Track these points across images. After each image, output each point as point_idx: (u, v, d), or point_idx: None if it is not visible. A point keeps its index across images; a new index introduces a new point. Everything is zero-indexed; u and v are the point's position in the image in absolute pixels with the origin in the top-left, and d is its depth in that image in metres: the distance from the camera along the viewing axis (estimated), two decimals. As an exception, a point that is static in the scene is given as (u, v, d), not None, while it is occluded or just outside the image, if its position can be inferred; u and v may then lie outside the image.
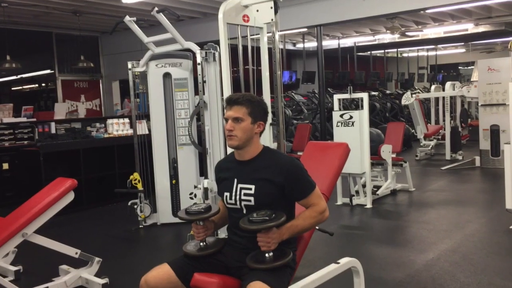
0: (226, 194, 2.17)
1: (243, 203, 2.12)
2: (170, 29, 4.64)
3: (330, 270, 2.57)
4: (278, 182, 2.08)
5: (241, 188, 2.13)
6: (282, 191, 2.09)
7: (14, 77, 10.41)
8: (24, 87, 11.55)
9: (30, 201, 3.37)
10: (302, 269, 2.47)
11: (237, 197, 2.13)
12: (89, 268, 3.43)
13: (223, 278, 2.04)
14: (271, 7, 3.93)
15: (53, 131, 7.06)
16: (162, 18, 4.58)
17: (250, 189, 2.11)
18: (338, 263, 2.65)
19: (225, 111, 2.18)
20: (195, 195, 4.29)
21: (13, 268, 3.63)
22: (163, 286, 2.05)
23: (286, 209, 2.12)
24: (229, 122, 2.12)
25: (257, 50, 4.05)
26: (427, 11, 8.90)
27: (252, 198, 2.10)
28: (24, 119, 7.01)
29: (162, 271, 2.08)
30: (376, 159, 5.91)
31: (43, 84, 11.32)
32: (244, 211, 2.11)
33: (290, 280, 2.16)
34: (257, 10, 4.00)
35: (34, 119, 7.13)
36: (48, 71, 10.44)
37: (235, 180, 2.16)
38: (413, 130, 10.23)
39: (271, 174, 2.09)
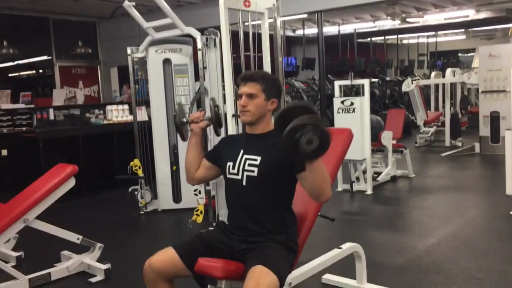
0: (229, 163, 2.17)
1: (245, 173, 2.11)
2: (170, 13, 4.59)
3: (333, 255, 2.59)
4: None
5: (246, 159, 2.13)
6: (286, 164, 2.02)
7: (11, 63, 10.33)
8: (21, 73, 11.48)
9: (31, 187, 3.36)
10: (305, 254, 2.47)
11: (241, 167, 2.13)
12: (91, 254, 3.43)
13: (227, 262, 2.04)
14: (273, -8, 3.88)
15: (51, 117, 7.02)
16: (161, 2, 4.53)
17: (256, 160, 2.11)
18: (341, 248, 2.66)
19: (239, 88, 2.20)
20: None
21: (15, 254, 3.63)
22: (167, 270, 2.05)
23: (288, 186, 2.13)
24: (243, 98, 2.14)
25: (258, 36, 4.01)
26: (428, -4, 8.84)
27: (256, 169, 2.09)
28: (22, 106, 6.96)
29: (167, 255, 2.08)
30: (377, 146, 5.90)
31: (40, 71, 11.25)
32: (244, 183, 2.11)
33: (293, 264, 2.17)
34: (258, -5, 3.95)
35: (33, 106, 7.09)
36: (45, 57, 10.37)
37: (242, 151, 2.17)
38: (413, 117, 10.22)
39: (279, 147, 2.04)
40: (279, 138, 2.12)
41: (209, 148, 4.06)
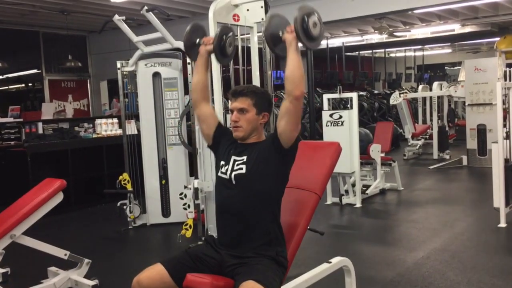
0: (222, 162, 2.22)
1: (233, 173, 2.15)
2: (159, 28, 4.61)
3: (322, 270, 2.58)
4: (269, 142, 2.15)
5: (235, 160, 2.17)
6: (271, 147, 2.12)
7: (0, 77, 10.27)
8: (10, 86, 11.41)
9: (19, 202, 3.32)
10: (294, 268, 2.48)
11: (229, 168, 2.17)
12: (78, 270, 3.39)
13: (216, 278, 2.03)
14: (262, 6, 3.93)
15: (40, 131, 6.97)
16: (151, 17, 4.56)
17: (243, 159, 2.16)
18: (330, 262, 2.65)
19: (230, 103, 2.23)
20: (185, 196, 4.27)
21: (1, 270, 3.57)
22: (156, 286, 2.04)
23: (275, 181, 2.15)
24: (234, 113, 2.17)
25: (247, 50, 4.05)
26: (415, 11, 8.97)
27: (244, 166, 2.14)
28: (11, 119, 6.92)
29: (155, 271, 2.06)
30: (365, 159, 5.94)
31: (30, 84, 11.19)
32: (233, 182, 2.14)
33: (282, 279, 2.16)
34: (248, 10, 3.99)
35: (21, 119, 7.04)
36: (35, 71, 10.33)
37: (233, 156, 2.20)
38: (401, 130, 10.30)
39: (264, 146, 2.17)
40: (266, 141, 2.20)
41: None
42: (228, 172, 2.17)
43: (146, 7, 4.48)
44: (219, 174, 2.21)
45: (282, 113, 2.09)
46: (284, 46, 2.08)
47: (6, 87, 11.32)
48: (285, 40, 2.07)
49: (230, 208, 2.14)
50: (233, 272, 2.04)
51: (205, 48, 2.32)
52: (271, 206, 2.16)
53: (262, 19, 3.89)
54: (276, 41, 2.14)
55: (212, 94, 4.09)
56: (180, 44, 4.69)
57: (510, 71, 4.66)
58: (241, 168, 2.14)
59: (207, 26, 3.71)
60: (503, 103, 4.58)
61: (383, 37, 12.57)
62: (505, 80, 4.64)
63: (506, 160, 4.46)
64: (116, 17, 4.79)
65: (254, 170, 2.12)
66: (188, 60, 4.47)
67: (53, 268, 3.47)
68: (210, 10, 3.73)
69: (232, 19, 3.94)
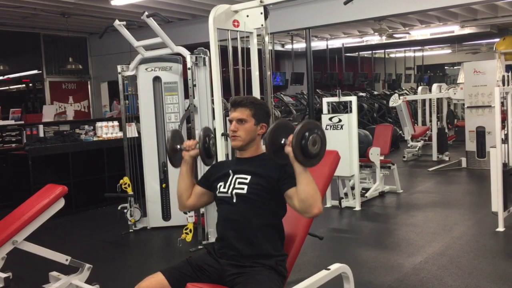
0: (220, 184, 2.23)
1: (235, 191, 2.17)
2: (160, 34, 4.63)
3: (320, 277, 2.59)
4: (273, 176, 2.13)
5: (237, 178, 2.19)
6: (275, 185, 2.12)
7: (0, 78, 10.30)
8: (11, 87, 11.44)
9: (20, 208, 3.35)
10: (292, 274, 2.50)
11: (231, 186, 2.19)
12: (79, 275, 3.40)
13: (216, 287, 2.06)
14: (261, 13, 3.96)
15: (41, 133, 6.99)
16: (152, 23, 4.58)
17: (246, 178, 2.17)
18: (329, 269, 2.68)
19: (229, 113, 2.26)
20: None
21: (3, 275, 3.58)
22: (156, 296, 2.07)
23: (275, 206, 2.17)
24: (233, 123, 2.21)
25: (247, 51, 4.08)
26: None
27: (245, 187, 2.15)
28: (12, 122, 6.95)
29: (155, 281, 2.09)
30: (365, 162, 5.97)
31: (30, 85, 11.23)
32: (234, 200, 2.16)
33: (282, 288, 2.19)
34: (247, 16, 4.02)
35: (22, 122, 7.07)
36: (35, 72, 10.36)
37: (232, 172, 2.22)
38: (400, 131, 10.33)
39: (267, 169, 2.16)
40: (268, 160, 2.18)
41: (199, 175, 4.10)
42: (229, 189, 2.18)
43: (146, 13, 4.51)
44: (218, 195, 2.23)
45: (291, 205, 2.09)
46: (284, 154, 1.99)
47: (7, 87, 11.36)
48: (288, 153, 1.96)
49: (232, 223, 2.16)
50: (233, 282, 2.07)
51: (189, 154, 2.31)
52: (273, 220, 2.18)
53: (262, 25, 3.93)
54: (277, 150, 2.01)
55: (212, 96, 4.14)
56: (180, 49, 4.72)
57: (508, 75, 4.69)
58: (242, 188, 2.16)
59: (207, 29, 3.75)
60: (502, 105, 4.60)
61: (382, 38, 12.60)
62: (503, 84, 4.66)
63: (504, 165, 4.49)
64: (117, 22, 4.82)
65: (255, 192, 2.14)
66: (189, 65, 4.50)
67: (54, 273, 3.49)
68: (210, 17, 3.75)
69: (232, 25, 3.96)
